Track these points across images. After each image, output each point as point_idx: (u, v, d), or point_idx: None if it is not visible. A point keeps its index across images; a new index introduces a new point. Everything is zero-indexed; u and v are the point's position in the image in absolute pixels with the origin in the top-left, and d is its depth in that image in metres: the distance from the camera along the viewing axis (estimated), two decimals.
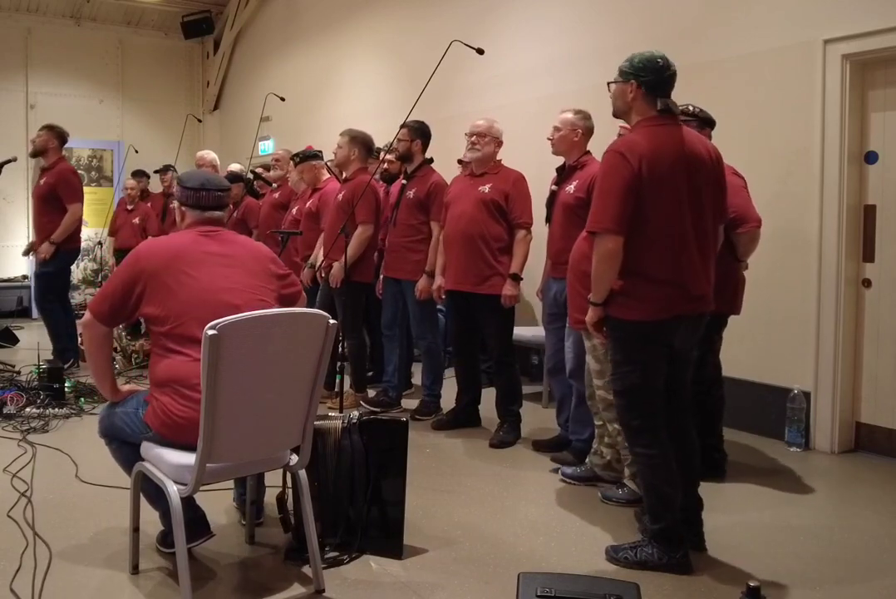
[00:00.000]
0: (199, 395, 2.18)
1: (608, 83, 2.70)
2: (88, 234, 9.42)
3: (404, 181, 4.71)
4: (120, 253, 7.70)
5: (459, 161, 5.08)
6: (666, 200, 2.53)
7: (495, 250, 4.07)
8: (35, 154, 5.97)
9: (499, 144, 4.20)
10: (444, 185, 4.53)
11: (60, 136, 5.82)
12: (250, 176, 6.49)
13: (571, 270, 3.33)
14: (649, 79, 2.59)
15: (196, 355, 2.24)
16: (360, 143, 4.73)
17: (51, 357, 5.67)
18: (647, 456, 2.63)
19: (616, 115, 2.77)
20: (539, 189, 4.11)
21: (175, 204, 2.70)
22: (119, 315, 2.47)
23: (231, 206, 5.98)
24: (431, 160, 4.72)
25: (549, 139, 3.81)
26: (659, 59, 2.60)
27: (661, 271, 2.56)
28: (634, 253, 2.54)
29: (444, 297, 4.36)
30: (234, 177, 6.30)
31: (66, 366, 5.30)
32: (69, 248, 5.75)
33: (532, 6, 5.80)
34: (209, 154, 6.79)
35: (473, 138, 4.13)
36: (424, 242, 4.51)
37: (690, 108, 3.47)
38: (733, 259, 3.48)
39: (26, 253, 6.21)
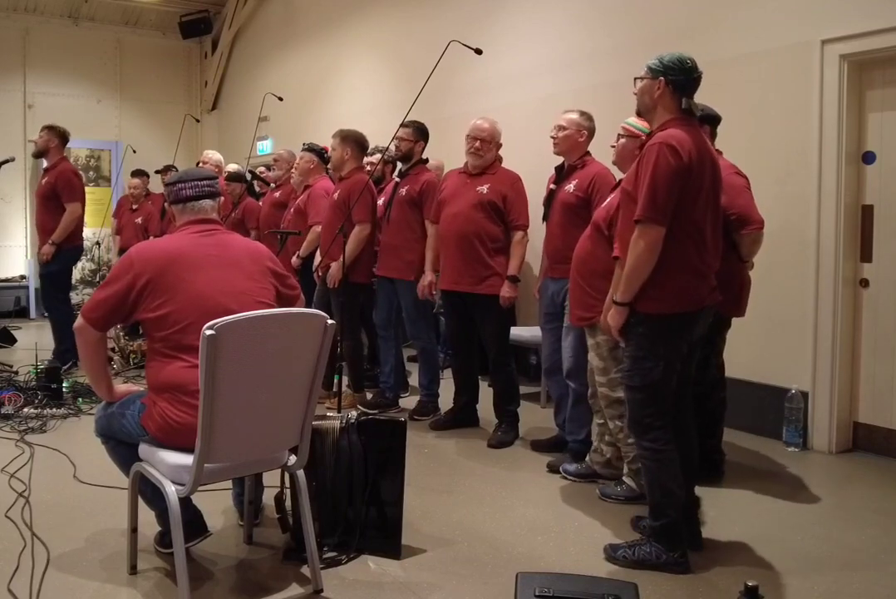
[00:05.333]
0: (198, 401, 2.18)
1: (635, 78, 2.73)
2: (86, 234, 9.41)
3: (398, 179, 4.70)
4: (124, 253, 7.67)
5: None
6: (700, 195, 2.59)
7: (491, 250, 4.07)
8: (38, 155, 5.96)
9: (499, 146, 4.21)
10: (436, 183, 4.52)
11: (61, 135, 5.81)
12: (248, 176, 6.48)
13: (576, 268, 3.32)
14: (678, 78, 2.62)
15: (194, 361, 2.23)
16: (353, 141, 4.72)
17: (51, 357, 5.66)
18: (655, 452, 2.64)
19: (640, 112, 2.78)
20: (537, 189, 4.11)
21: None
22: (113, 320, 2.44)
23: (231, 206, 5.98)
24: (426, 160, 4.72)
25: (552, 137, 3.80)
26: (688, 61, 2.64)
27: (695, 263, 2.61)
28: (673, 246, 2.56)
29: (434, 293, 4.36)
30: (236, 176, 6.29)
31: (64, 367, 5.30)
32: (71, 246, 5.74)
33: (530, 7, 5.79)
34: (215, 155, 6.78)
35: (478, 144, 4.10)
36: (418, 240, 4.50)
37: None
38: (738, 260, 3.48)
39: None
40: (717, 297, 2.75)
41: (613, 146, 3.39)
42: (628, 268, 2.59)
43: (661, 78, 2.63)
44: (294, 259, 5.02)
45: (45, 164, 6.03)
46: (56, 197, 5.61)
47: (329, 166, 5.09)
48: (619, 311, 2.64)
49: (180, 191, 2.58)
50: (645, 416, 2.65)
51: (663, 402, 2.64)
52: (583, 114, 3.79)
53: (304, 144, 5.27)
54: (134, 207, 7.90)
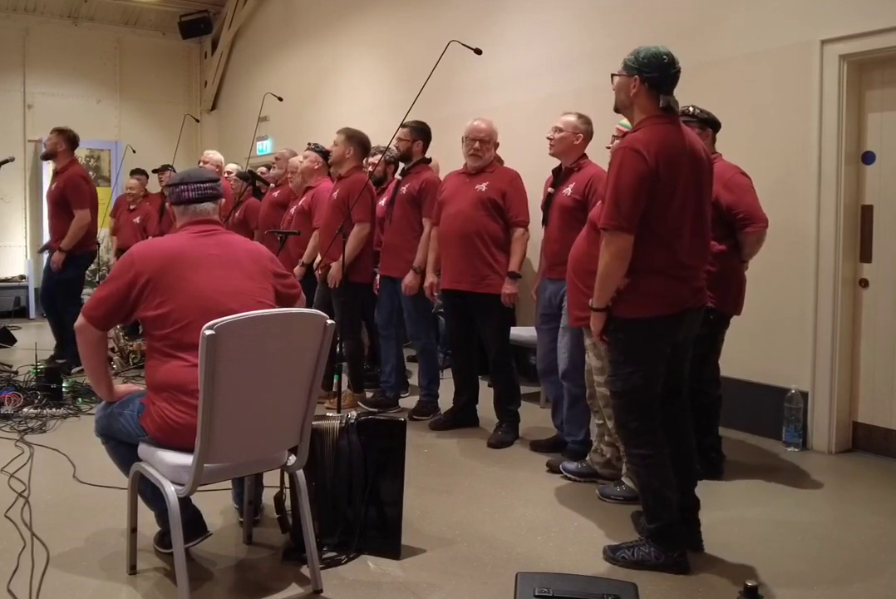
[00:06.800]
0: (197, 401, 2.17)
1: (612, 75, 2.67)
2: None
3: (399, 178, 4.70)
4: (122, 252, 7.68)
5: None
6: (675, 198, 2.53)
7: (493, 248, 4.07)
8: (45, 157, 5.94)
9: (496, 145, 4.22)
10: (436, 182, 4.52)
11: (70, 139, 5.74)
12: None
13: (573, 268, 3.31)
14: (653, 75, 2.54)
15: (194, 361, 2.23)
16: (357, 142, 4.72)
17: (52, 355, 5.67)
18: (644, 457, 2.63)
19: (617, 108, 2.72)
20: (537, 189, 4.11)
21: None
22: (114, 319, 2.44)
23: (232, 205, 5.98)
24: (429, 160, 4.72)
25: (548, 138, 3.81)
26: (664, 56, 2.55)
27: (667, 266, 2.56)
28: (641, 249, 2.52)
29: (436, 294, 4.36)
30: (244, 175, 6.29)
31: (74, 370, 5.30)
32: (83, 252, 5.72)
33: (530, 7, 5.79)
34: (215, 155, 6.78)
35: (477, 145, 4.10)
36: (420, 240, 4.50)
37: (691, 109, 3.47)
38: (738, 260, 3.49)
39: (41, 251, 6.17)
40: (703, 299, 2.71)
41: (608, 148, 3.39)
42: (599, 275, 2.57)
43: (636, 76, 2.56)
44: (297, 269, 4.98)
45: (49, 164, 6.00)
46: (66, 203, 5.57)
47: (329, 162, 5.08)
48: (597, 316, 2.63)
49: (182, 193, 2.57)
50: (630, 421, 2.64)
51: (647, 407, 2.62)
52: (580, 117, 3.79)
53: (310, 144, 5.25)
54: (132, 207, 7.91)
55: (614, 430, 2.93)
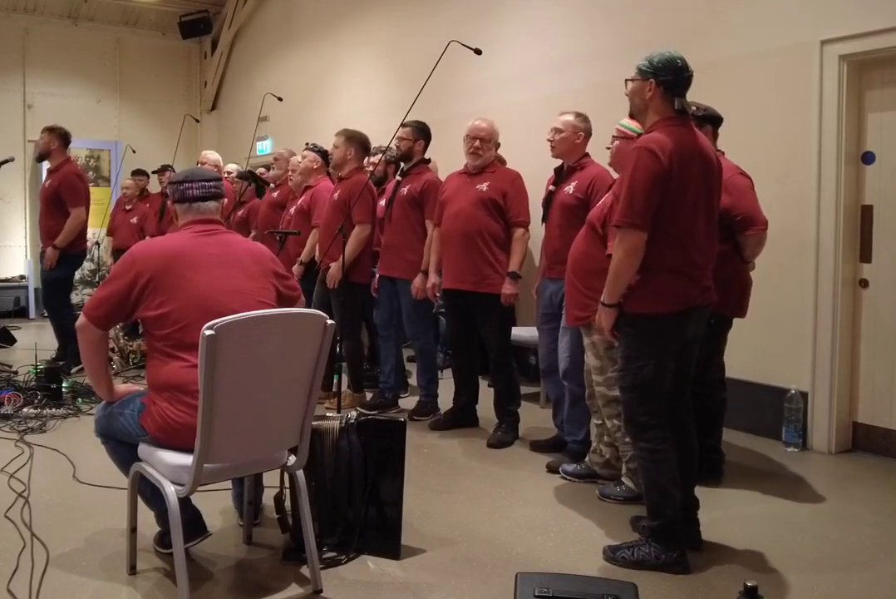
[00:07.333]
0: (198, 402, 2.17)
1: (626, 80, 2.72)
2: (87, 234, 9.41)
3: (399, 179, 4.70)
4: (118, 253, 7.71)
5: None
6: (686, 198, 2.58)
7: (494, 248, 4.07)
8: (40, 158, 5.93)
9: (497, 146, 4.22)
10: (438, 183, 4.52)
11: (62, 136, 5.73)
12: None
13: (571, 268, 3.33)
14: (668, 79, 2.61)
15: (194, 361, 2.23)
16: (357, 142, 4.72)
17: (52, 356, 5.66)
18: (652, 452, 2.65)
19: (632, 113, 2.78)
20: (538, 189, 4.11)
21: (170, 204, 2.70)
22: (115, 319, 2.44)
23: (232, 205, 5.98)
24: (429, 160, 4.72)
25: (548, 140, 3.81)
26: (678, 60, 2.63)
27: (678, 264, 2.60)
28: (654, 247, 2.57)
29: (438, 295, 4.36)
30: (245, 175, 6.30)
31: (75, 369, 5.30)
32: (75, 252, 5.72)
33: (530, 6, 5.80)
34: (213, 155, 6.79)
35: (477, 143, 4.10)
36: (420, 240, 4.50)
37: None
38: (740, 261, 3.49)
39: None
40: (711, 296, 2.75)
41: (608, 148, 3.39)
42: (611, 271, 2.62)
43: (652, 79, 2.62)
44: (296, 267, 4.98)
45: (47, 165, 6.00)
46: (60, 201, 5.56)
47: (331, 165, 5.09)
48: (608, 312, 2.67)
49: (187, 190, 2.57)
50: (639, 415, 2.66)
51: (656, 401, 2.64)
52: (578, 115, 3.79)
53: (308, 144, 5.26)
54: (128, 207, 7.93)
55: (622, 425, 2.93)
